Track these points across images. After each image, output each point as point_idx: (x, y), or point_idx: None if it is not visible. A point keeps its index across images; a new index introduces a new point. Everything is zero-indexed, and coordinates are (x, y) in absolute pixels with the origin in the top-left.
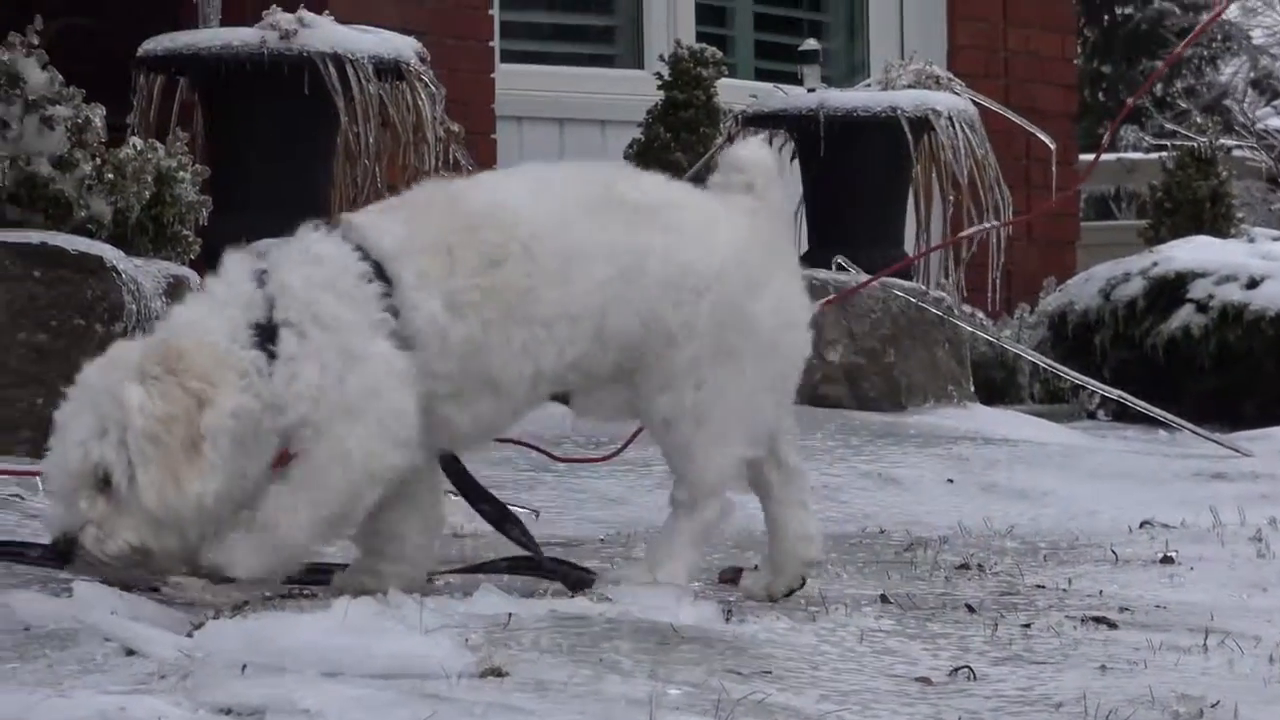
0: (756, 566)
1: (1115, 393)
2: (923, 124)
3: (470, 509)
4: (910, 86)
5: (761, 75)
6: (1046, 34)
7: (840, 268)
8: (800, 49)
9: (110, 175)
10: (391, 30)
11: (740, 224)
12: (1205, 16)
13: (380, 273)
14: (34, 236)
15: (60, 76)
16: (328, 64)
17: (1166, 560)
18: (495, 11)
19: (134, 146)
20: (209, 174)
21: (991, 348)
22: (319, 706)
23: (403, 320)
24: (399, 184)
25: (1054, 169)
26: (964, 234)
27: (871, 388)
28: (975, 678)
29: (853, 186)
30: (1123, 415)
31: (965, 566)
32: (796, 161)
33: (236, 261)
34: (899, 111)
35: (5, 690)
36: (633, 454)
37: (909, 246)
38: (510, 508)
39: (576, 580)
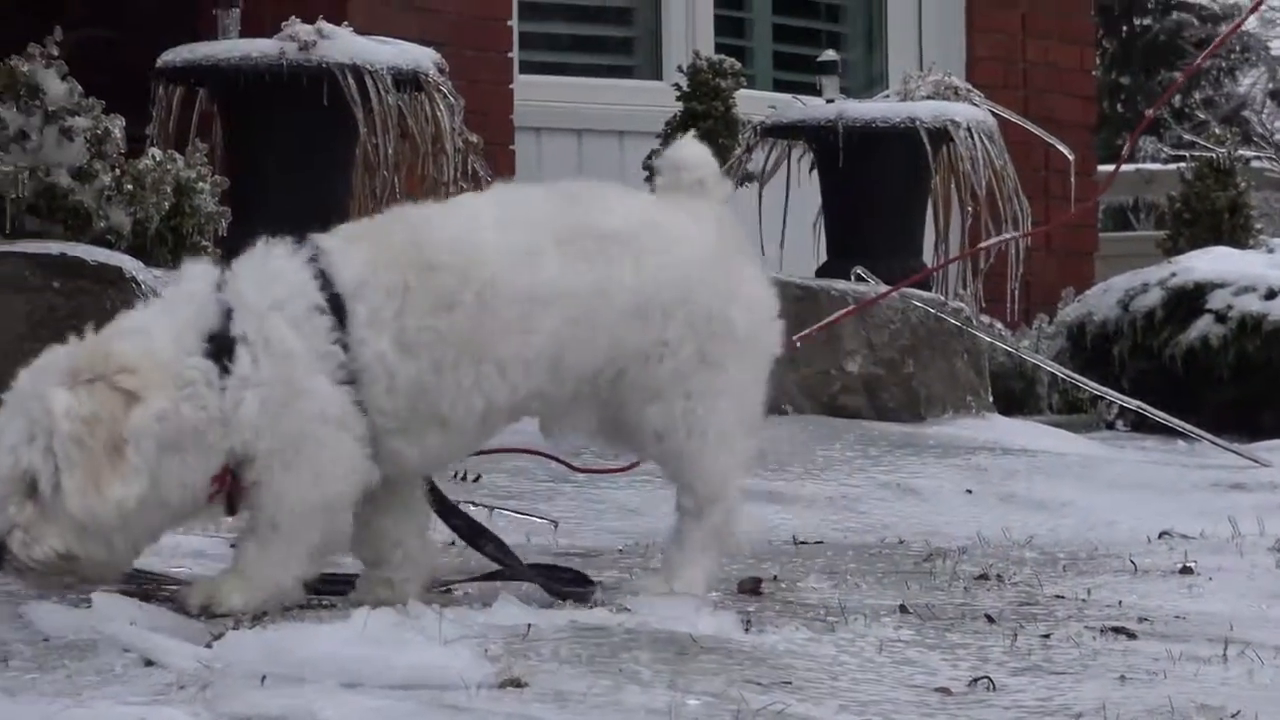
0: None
1: (1134, 403)
2: (941, 135)
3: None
4: (929, 97)
5: (780, 86)
6: (1065, 45)
7: (859, 278)
8: (819, 60)
9: (129, 186)
10: (410, 41)
11: (708, 234)
12: (1224, 28)
13: (335, 305)
14: (53, 247)
15: (80, 88)
16: (346, 75)
17: (1185, 571)
18: (514, 23)
19: (153, 157)
20: (228, 185)
21: (1010, 358)
22: (338, 717)
23: (351, 355)
24: (418, 195)
25: (1072, 180)
26: (984, 245)
27: (890, 398)
28: (995, 688)
29: (871, 197)
30: (1141, 426)
31: (984, 577)
32: (815, 172)
33: (195, 270)
34: (918, 122)
35: (25, 701)
36: (652, 465)
37: (928, 257)
38: (500, 516)
39: (565, 590)
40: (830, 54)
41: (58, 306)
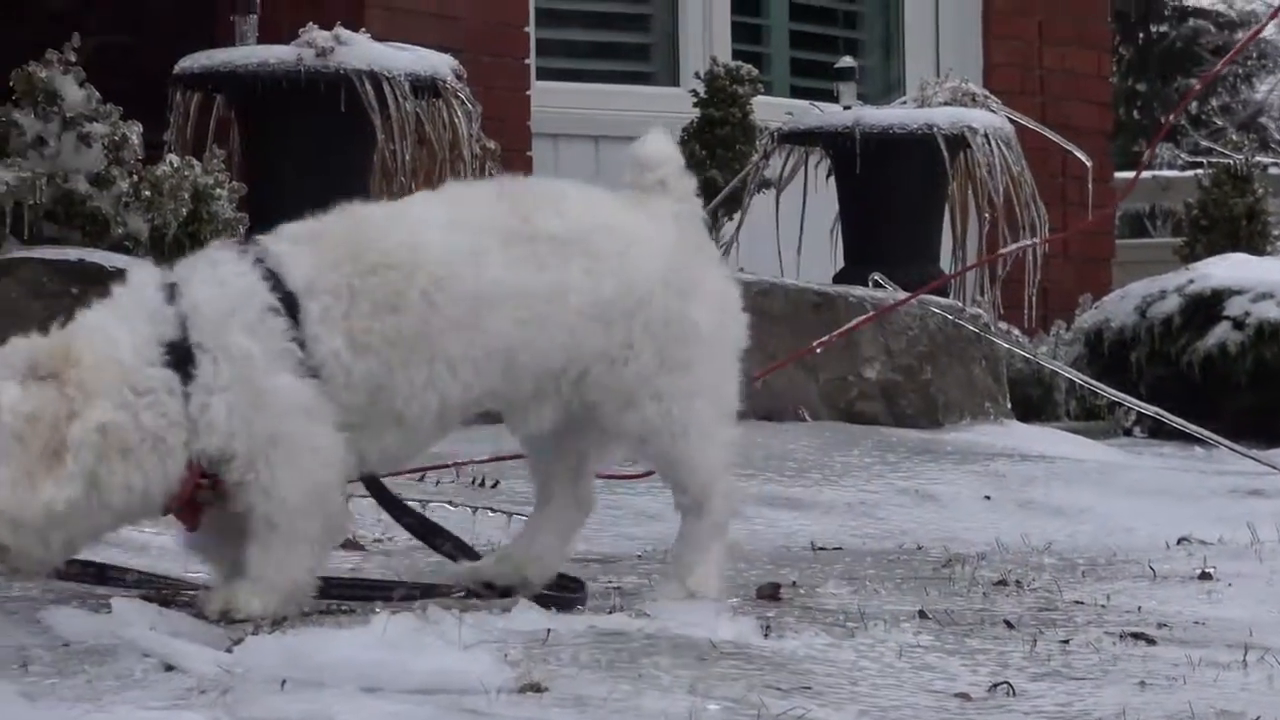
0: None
1: (1152, 409)
2: (959, 141)
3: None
4: (946, 104)
5: (797, 93)
6: (1082, 51)
7: (877, 285)
8: (836, 66)
9: (147, 192)
10: (428, 48)
11: (667, 234)
12: (1241, 34)
13: (288, 304)
14: (71, 253)
15: (98, 94)
16: (364, 81)
17: (1204, 576)
18: (531, 29)
19: (171, 164)
20: (245, 191)
21: (1028, 365)
22: None
23: (308, 352)
24: None
25: (1090, 186)
26: (1003, 251)
27: (909, 405)
28: (1014, 694)
29: (888, 203)
30: (1159, 432)
31: (1003, 583)
32: (832, 178)
33: (143, 274)
34: (935, 129)
35: (45, 706)
36: None
37: (945, 264)
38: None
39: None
40: (848, 60)
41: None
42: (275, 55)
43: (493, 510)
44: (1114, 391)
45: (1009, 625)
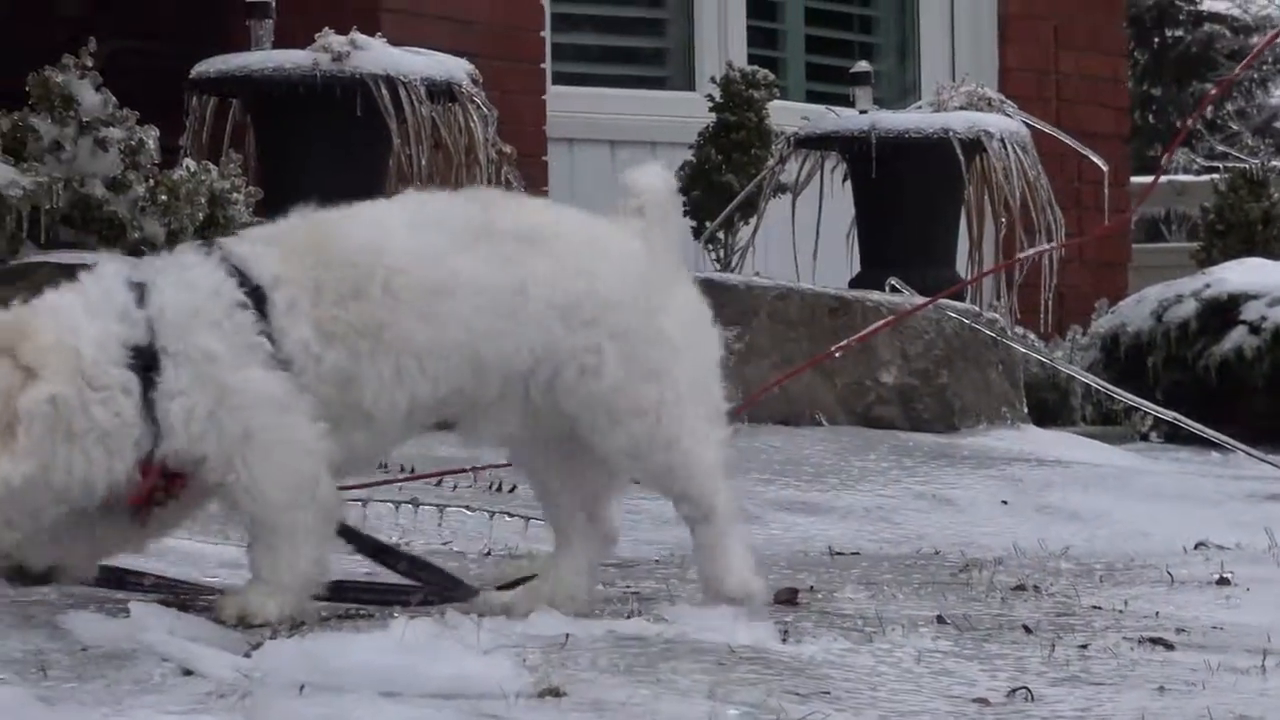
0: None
1: (1169, 414)
2: (975, 146)
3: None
4: (962, 108)
5: (813, 97)
6: (1097, 56)
7: (894, 289)
8: (852, 71)
9: (164, 197)
10: (443, 52)
11: (633, 245)
12: (1256, 39)
13: (255, 298)
14: (88, 258)
15: (114, 99)
16: (380, 86)
17: (1222, 581)
18: (546, 33)
19: (187, 168)
20: (261, 195)
21: (1043, 369)
22: None
23: (277, 345)
24: None
25: (1106, 191)
26: (1021, 256)
27: (925, 409)
28: (1033, 699)
29: (904, 208)
30: (1175, 437)
31: (1021, 587)
32: (848, 183)
33: (112, 269)
34: (951, 133)
35: (64, 710)
36: None
37: (961, 268)
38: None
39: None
40: (863, 65)
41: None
42: (291, 60)
43: (510, 515)
44: (1131, 396)
45: (1027, 630)
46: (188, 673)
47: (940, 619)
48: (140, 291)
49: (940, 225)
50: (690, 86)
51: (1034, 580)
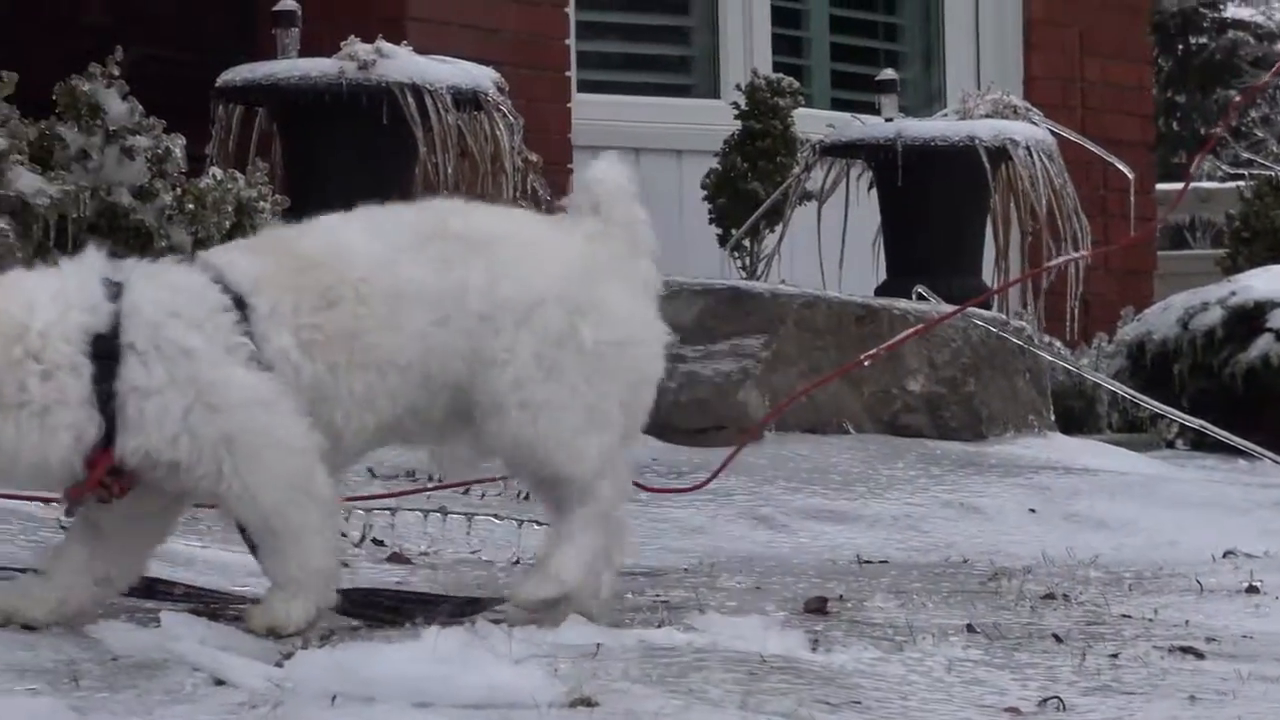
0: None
1: (1195, 421)
2: (1000, 154)
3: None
4: (987, 116)
5: (837, 105)
6: (1122, 64)
7: (920, 297)
8: (877, 79)
9: (190, 205)
10: (468, 60)
11: (571, 248)
12: None
13: (237, 303)
14: None
15: (140, 107)
16: (406, 94)
17: (1251, 590)
18: (571, 41)
19: (214, 177)
20: (288, 204)
21: (1069, 377)
22: None
23: (258, 349)
24: None
25: (1132, 199)
26: (1051, 264)
27: (952, 417)
28: (1065, 708)
29: (930, 216)
30: (1201, 445)
31: (1050, 596)
32: (874, 191)
33: (92, 263)
34: (977, 141)
35: None
36: (718, 484)
37: (987, 276)
38: None
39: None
40: (889, 73)
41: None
42: (317, 68)
43: (538, 523)
44: (1157, 404)
45: (1057, 639)
46: (219, 682)
47: (970, 628)
48: (116, 289)
49: (966, 233)
50: (715, 94)
51: (1063, 589)
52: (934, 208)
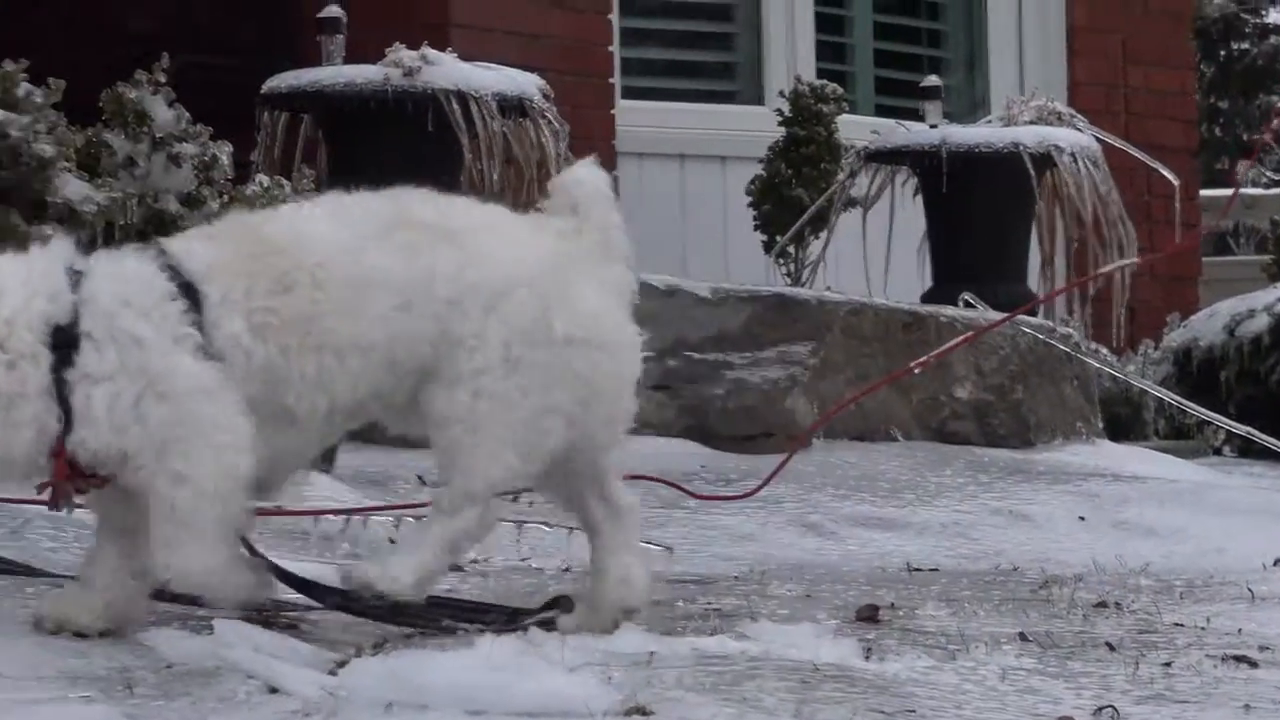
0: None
1: (1242, 428)
2: (1045, 160)
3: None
4: (1032, 122)
5: (881, 111)
6: (1165, 70)
7: (967, 304)
8: (922, 85)
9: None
10: (512, 67)
11: (543, 242)
12: None
13: (187, 291)
14: None
15: (187, 114)
16: (451, 101)
17: None
18: (615, 48)
19: (260, 184)
20: None
21: (1115, 383)
22: None
23: (208, 337)
24: None
25: (1177, 205)
26: (1101, 271)
27: (1000, 424)
28: (1119, 717)
29: (976, 222)
30: (1248, 451)
31: (1102, 604)
32: (919, 197)
33: (58, 252)
34: (1021, 147)
35: None
36: (768, 491)
37: (1033, 283)
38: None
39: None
40: (933, 79)
41: None
42: (362, 75)
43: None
44: (1204, 410)
45: (1110, 648)
46: (273, 690)
47: (1023, 636)
48: (78, 277)
49: (1012, 240)
50: (759, 101)
51: (1114, 597)
52: (979, 214)
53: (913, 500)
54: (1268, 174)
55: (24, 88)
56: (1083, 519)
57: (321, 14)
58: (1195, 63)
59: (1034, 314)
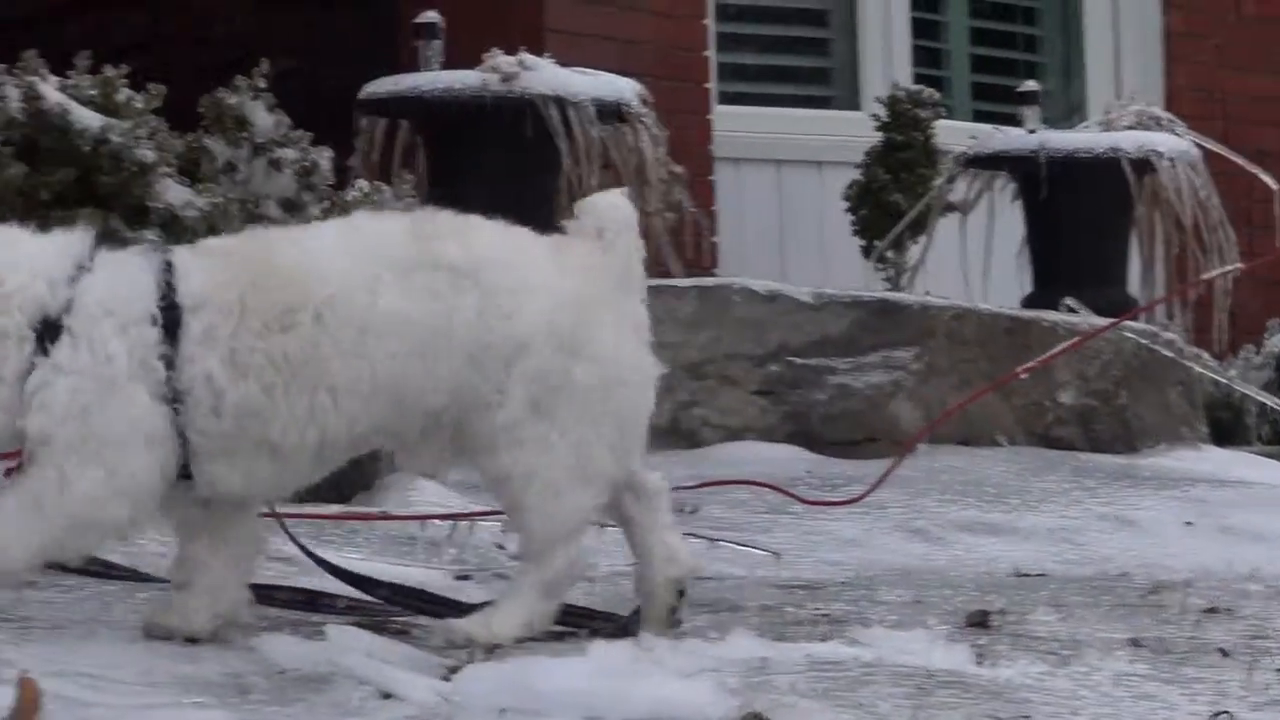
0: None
1: None
2: (1144, 165)
3: None
4: (1130, 127)
5: (978, 117)
6: (1263, 75)
7: (1069, 310)
8: (1019, 90)
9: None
10: (609, 72)
11: (565, 284)
12: None
13: (170, 318)
14: None
15: (288, 119)
16: (549, 106)
17: None
18: (711, 53)
19: (360, 189)
20: None
21: (1217, 389)
22: None
23: (176, 372)
24: None
25: (1277, 210)
26: (1207, 276)
27: (1104, 429)
28: None
29: (1075, 227)
30: None
31: (1213, 610)
32: (1018, 202)
33: (73, 244)
34: (1120, 153)
35: None
36: (874, 498)
37: (1133, 288)
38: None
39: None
40: (1031, 84)
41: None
42: (460, 81)
43: (695, 536)
44: None
45: (1223, 653)
46: (386, 696)
47: (1134, 642)
48: (78, 272)
49: (1111, 245)
50: (855, 106)
51: (1225, 602)
52: (1079, 219)
53: (1018, 505)
54: None
55: (124, 93)
56: (1189, 524)
57: (418, 19)
58: None
59: (1136, 319)
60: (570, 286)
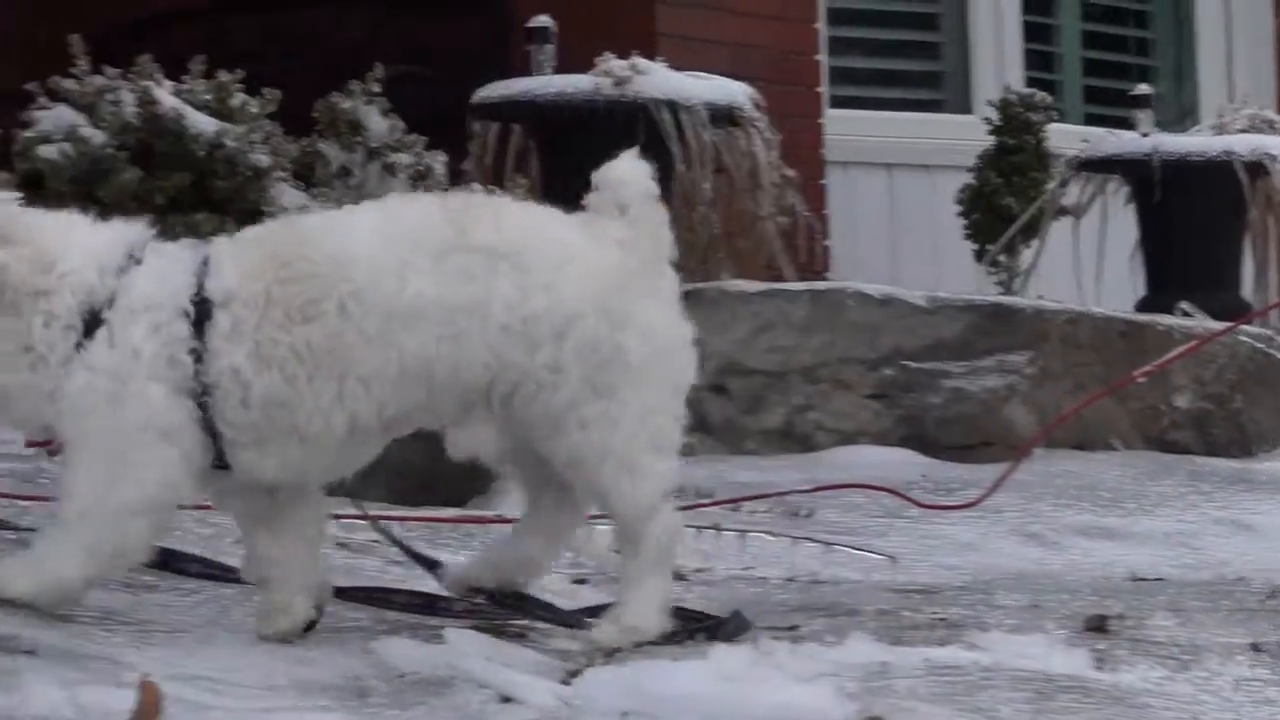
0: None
1: None
2: (1257, 168)
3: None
4: (1244, 131)
5: (1090, 120)
6: None
7: (1185, 313)
8: (1132, 94)
9: None
10: (721, 76)
11: (604, 257)
12: None
13: (201, 312)
14: None
15: (402, 124)
16: (662, 110)
17: None
18: (823, 57)
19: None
20: None
21: None
22: None
23: (203, 366)
24: (735, 230)
25: None
26: None
27: (1220, 434)
28: None
29: (1189, 231)
30: None
31: None
32: (1131, 206)
33: (129, 233)
34: (1233, 156)
35: None
36: (992, 501)
37: (1246, 292)
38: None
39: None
40: (1144, 88)
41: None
42: (573, 85)
43: (812, 540)
44: None
45: None
46: (506, 699)
47: (1255, 647)
48: (127, 263)
49: (1225, 249)
50: (967, 109)
51: None
52: (1192, 223)
53: (1134, 510)
54: None
55: (239, 98)
56: None
57: (530, 23)
58: None
59: (1251, 323)
60: (608, 259)
